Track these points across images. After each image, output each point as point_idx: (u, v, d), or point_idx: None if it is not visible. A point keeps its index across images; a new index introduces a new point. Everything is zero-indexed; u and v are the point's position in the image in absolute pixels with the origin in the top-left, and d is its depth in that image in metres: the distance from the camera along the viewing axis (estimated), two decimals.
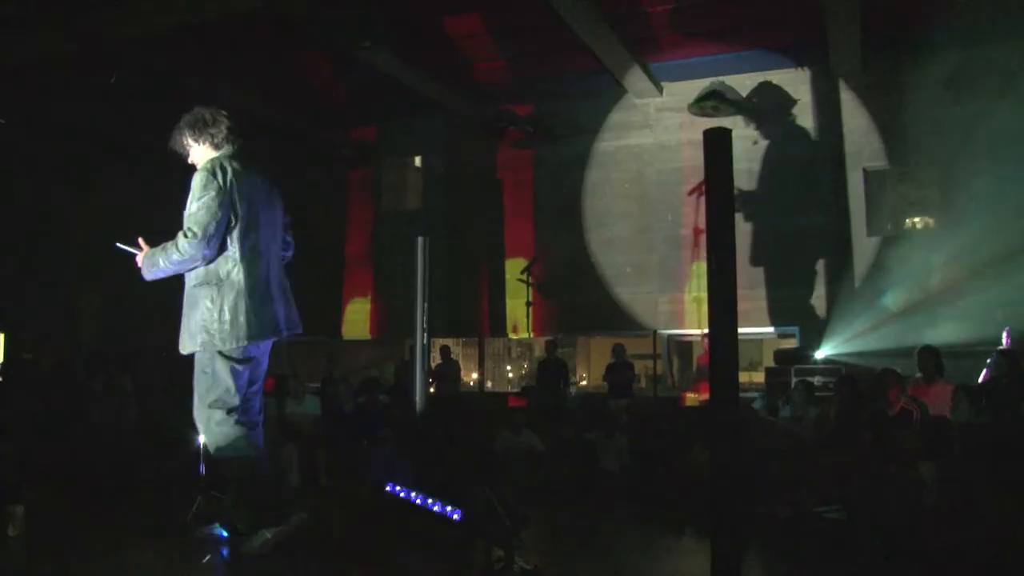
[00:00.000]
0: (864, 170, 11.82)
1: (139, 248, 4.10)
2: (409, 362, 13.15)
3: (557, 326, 13.78)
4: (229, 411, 3.99)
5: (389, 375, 14.00)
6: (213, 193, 3.92)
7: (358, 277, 15.13)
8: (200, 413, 4.03)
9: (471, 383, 14.96)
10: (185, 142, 4.17)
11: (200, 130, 4.12)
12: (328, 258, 14.62)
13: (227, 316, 3.93)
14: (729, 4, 10.50)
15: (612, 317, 13.45)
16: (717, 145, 3.56)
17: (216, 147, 4.14)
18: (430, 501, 3.96)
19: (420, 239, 6.16)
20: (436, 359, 13.93)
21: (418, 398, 5.94)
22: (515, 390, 13.79)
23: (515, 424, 9.71)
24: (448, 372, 13.08)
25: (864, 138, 11.82)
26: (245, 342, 3.96)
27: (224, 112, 4.18)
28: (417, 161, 15.40)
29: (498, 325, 14.27)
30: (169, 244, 3.95)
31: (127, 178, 12.95)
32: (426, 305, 6.23)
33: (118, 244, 4.15)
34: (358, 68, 11.67)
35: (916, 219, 11.77)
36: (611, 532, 6.16)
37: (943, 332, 10.01)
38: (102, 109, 11.55)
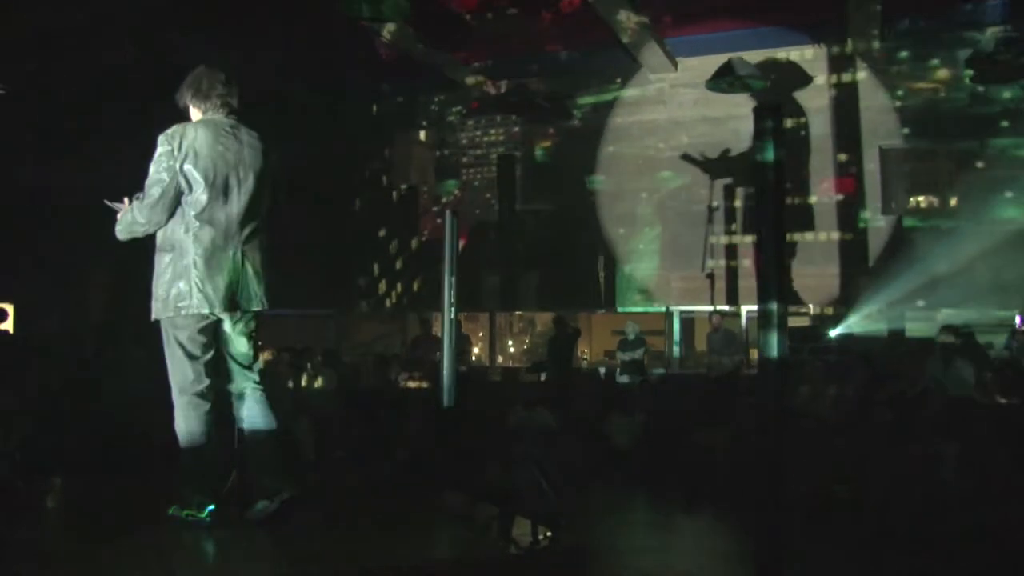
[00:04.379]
0: (880, 148, 11.76)
1: (122, 206, 4.02)
2: (420, 336, 13.24)
3: (567, 301, 13.75)
4: (182, 389, 3.92)
5: (395, 349, 14.04)
6: (164, 158, 3.85)
7: (368, 250, 15.08)
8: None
9: (472, 358, 14.99)
10: (185, 101, 4.10)
11: (195, 93, 4.04)
12: (336, 231, 14.56)
13: (173, 284, 3.84)
14: None
15: (623, 293, 13.45)
16: (767, 121, 3.52)
17: (203, 112, 4.05)
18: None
19: (448, 214, 6.14)
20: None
21: (446, 373, 5.94)
22: (526, 365, 13.80)
23: (529, 401, 9.73)
24: (458, 346, 13.06)
25: (880, 116, 11.75)
26: (189, 312, 3.84)
27: (223, 77, 4.05)
28: (422, 135, 15.32)
29: (508, 299, 14.26)
30: (131, 205, 3.94)
31: (135, 150, 12.82)
32: (453, 280, 6.24)
33: (106, 201, 4.08)
34: (371, 40, 11.59)
35: (931, 198, 11.73)
36: (638, 509, 6.18)
37: (959, 311, 10.03)
38: (108, 82, 11.44)
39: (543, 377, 12.05)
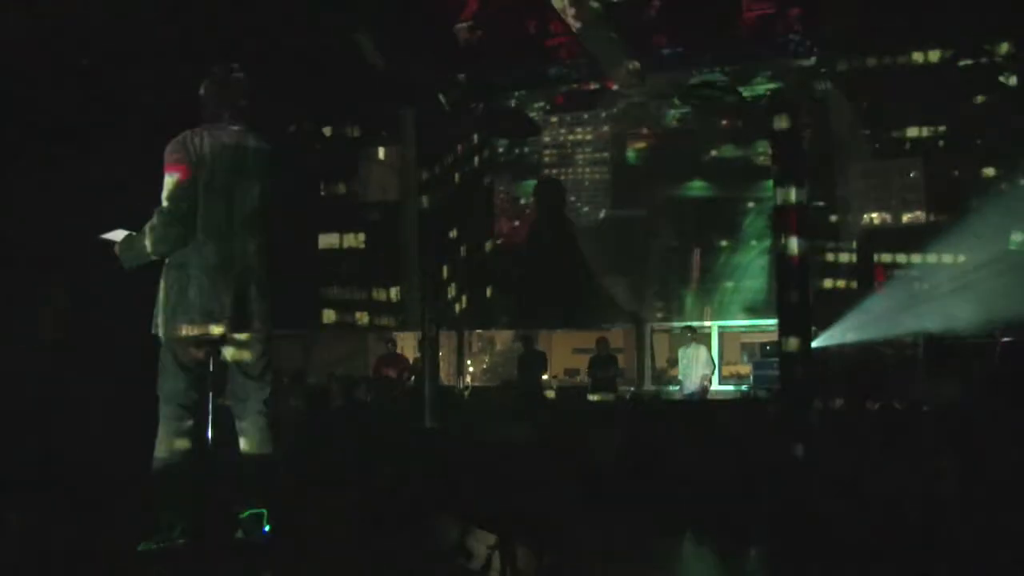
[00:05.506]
0: (849, 162, 11.74)
1: (117, 236, 3.89)
2: (386, 356, 12.94)
3: (537, 318, 13.51)
4: (167, 398, 3.78)
5: (362, 368, 13.73)
6: (183, 166, 3.68)
7: (330, 267, 14.58)
8: None
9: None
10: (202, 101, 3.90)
11: (207, 96, 3.86)
12: (300, 247, 14.09)
13: (173, 300, 3.71)
14: None
15: (592, 309, 13.27)
16: (784, 126, 3.35)
17: (214, 118, 3.86)
18: None
19: (421, 233, 5.92)
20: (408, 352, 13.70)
21: (427, 392, 5.69)
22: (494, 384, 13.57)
23: (508, 418, 9.49)
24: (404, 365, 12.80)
25: (849, 130, 11.74)
26: (184, 331, 3.70)
27: (236, 80, 3.89)
28: (381, 153, 15.00)
29: (474, 317, 14.00)
30: (147, 225, 3.74)
31: (91, 162, 12.37)
32: (430, 297, 6.01)
33: (101, 236, 3.92)
34: (331, 53, 11.28)
35: (903, 212, 11.72)
36: (628, 534, 5.91)
37: (932, 323, 9.99)
38: (62, 89, 11.02)
39: (514, 395, 11.82)
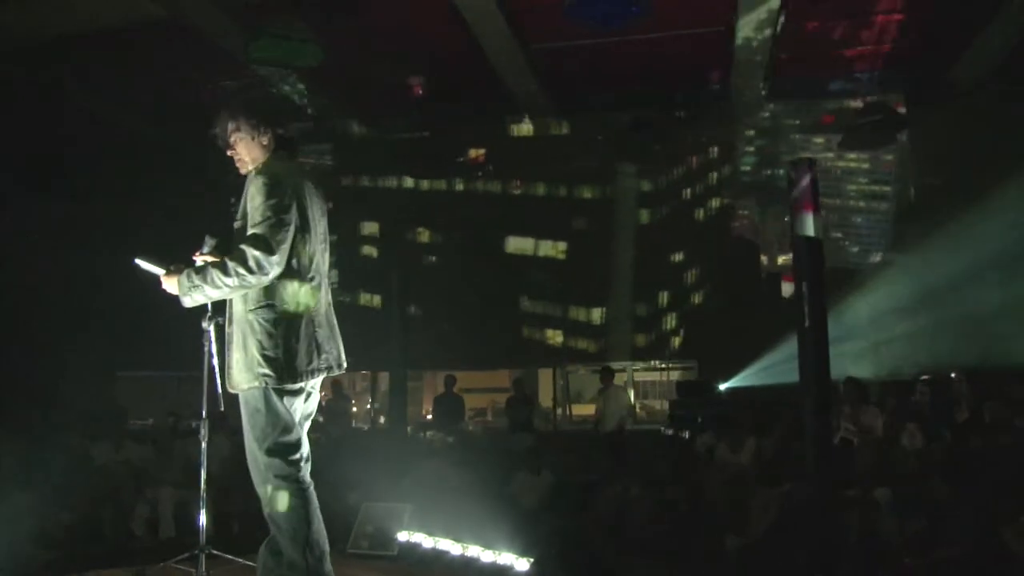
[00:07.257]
0: (760, 206, 12.23)
1: (163, 267, 3.54)
2: None
3: (446, 361, 13.35)
4: (290, 458, 3.41)
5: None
6: (283, 201, 3.35)
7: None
8: (258, 461, 3.41)
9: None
10: (236, 128, 3.54)
11: (261, 122, 3.55)
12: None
13: (294, 345, 3.37)
14: (642, 43, 10.47)
15: (508, 351, 13.32)
16: (801, 175, 3.52)
17: (266, 148, 3.57)
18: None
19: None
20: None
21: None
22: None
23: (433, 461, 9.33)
24: (340, 408, 12.50)
25: (762, 175, 12.22)
26: (312, 377, 3.46)
27: (277, 109, 3.77)
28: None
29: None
30: (228, 261, 3.29)
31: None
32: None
33: (137, 261, 3.58)
34: (253, 87, 11.09)
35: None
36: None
37: (844, 365, 10.46)
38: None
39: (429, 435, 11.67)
